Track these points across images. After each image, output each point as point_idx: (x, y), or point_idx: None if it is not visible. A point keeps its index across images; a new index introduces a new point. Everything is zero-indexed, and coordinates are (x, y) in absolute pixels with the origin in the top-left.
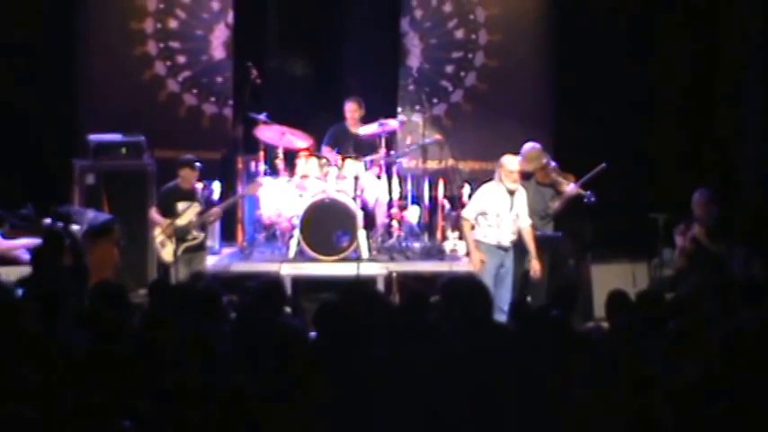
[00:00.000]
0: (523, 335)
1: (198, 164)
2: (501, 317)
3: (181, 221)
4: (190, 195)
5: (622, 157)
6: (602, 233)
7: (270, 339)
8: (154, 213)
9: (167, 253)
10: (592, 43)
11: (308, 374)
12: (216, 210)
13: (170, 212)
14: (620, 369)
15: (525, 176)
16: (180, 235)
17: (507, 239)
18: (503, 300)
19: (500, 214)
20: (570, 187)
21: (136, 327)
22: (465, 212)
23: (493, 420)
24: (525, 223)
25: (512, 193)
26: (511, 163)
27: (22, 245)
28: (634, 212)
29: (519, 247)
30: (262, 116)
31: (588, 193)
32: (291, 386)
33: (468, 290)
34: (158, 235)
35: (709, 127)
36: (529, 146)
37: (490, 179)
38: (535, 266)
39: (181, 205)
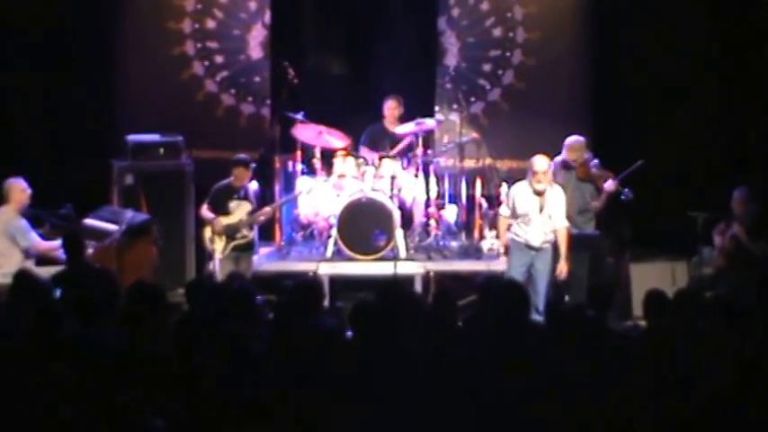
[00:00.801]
0: (557, 335)
1: (252, 164)
2: (537, 318)
3: (231, 219)
4: (242, 194)
5: (661, 154)
6: (641, 232)
7: (306, 339)
8: (205, 210)
9: (217, 250)
10: (629, 40)
11: (344, 374)
12: (267, 209)
13: (221, 210)
14: (656, 369)
15: (567, 168)
16: (229, 233)
17: (537, 240)
18: (537, 301)
19: (528, 214)
20: (608, 183)
21: (172, 327)
22: (501, 209)
23: (525, 420)
24: (560, 225)
25: (540, 193)
26: (536, 164)
27: (60, 245)
28: (673, 211)
29: (557, 246)
30: (299, 115)
31: (626, 190)
32: (327, 386)
33: (503, 289)
34: (208, 232)
35: (750, 124)
36: (574, 137)
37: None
38: (562, 268)
39: (232, 204)
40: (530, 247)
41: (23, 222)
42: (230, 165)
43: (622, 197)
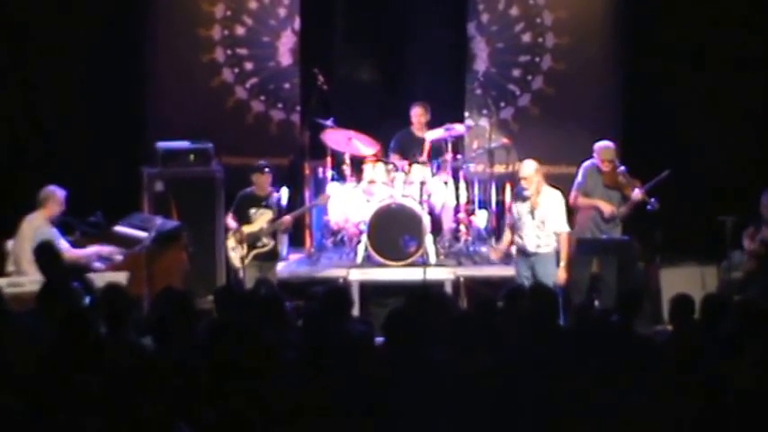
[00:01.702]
0: (584, 339)
1: (267, 169)
2: None
3: (252, 228)
4: (264, 202)
5: (691, 159)
6: (671, 236)
7: (336, 346)
8: (229, 218)
9: (236, 258)
10: (659, 45)
11: (374, 380)
12: (287, 218)
13: (244, 218)
14: (679, 373)
15: (598, 173)
16: (250, 241)
17: (530, 245)
18: None
19: (521, 219)
20: (635, 192)
21: (201, 333)
22: (507, 217)
23: (551, 426)
24: (557, 229)
25: (528, 198)
26: (521, 169)
27: (91, 253)
28: (703, 215)
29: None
30: (329, 122)
31: (652, 200)
32: (357, 393)
33: (530, 296)
34: (230, 240)
35: None
36: (603, 143)
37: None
38: (560, 275)
39: (254, 211)
40: (525, 253)
41: (53, 230)
42: (249, 173)
43: (648, 207)
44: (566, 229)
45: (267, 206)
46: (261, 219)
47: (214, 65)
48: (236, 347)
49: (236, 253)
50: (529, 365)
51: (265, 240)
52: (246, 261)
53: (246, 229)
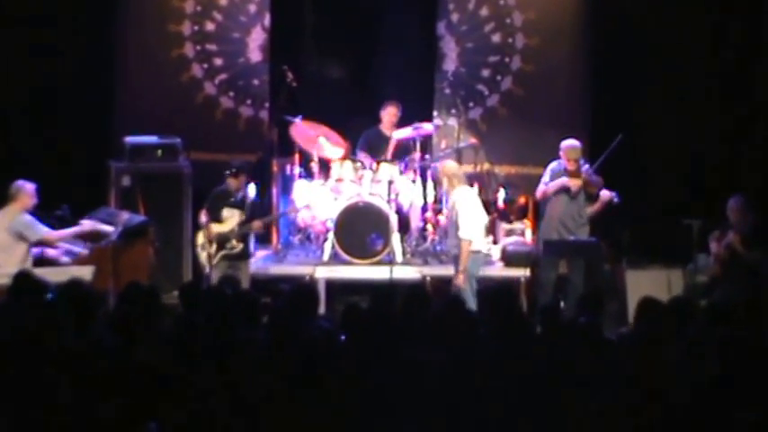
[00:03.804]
0: (550, 340)
1: (234, 169)
2: None
3: (222, 228)
4: (237, 202)
5: (658, 161)
6: (637, 239)
7: (301, 343)
8: (202, 215)
9: (204, 256)
10: (629, 47)
11: (336, 378)
12: (257, 223)
13: (215, 217)
14: (643, 375)
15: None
16: (219, 241)
17: (451, 248)
18: None
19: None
20: (604, 193)
21: (166, 330)
22: None
23: (512, 424)
24: (460, 234)
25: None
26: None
27: (71, 232)
28: (669, 218)
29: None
30: (297, 119)
31: (613, 194)
32: (320, 389)
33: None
34: (200, 238)
35: (747, 131)
36: (569, 141)
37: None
38: (456, 280)
39: (226, 212)
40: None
41: (28, 217)
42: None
43: (615, 200)
44: (466, 236)
45: (238, 207)
46: (231, 220)
47: (183, 60)
48: (202, 344)
49: (204, 251)
50: (497, 364)
51: (234, 242)
52: (215, 261)
53: (216, 228)
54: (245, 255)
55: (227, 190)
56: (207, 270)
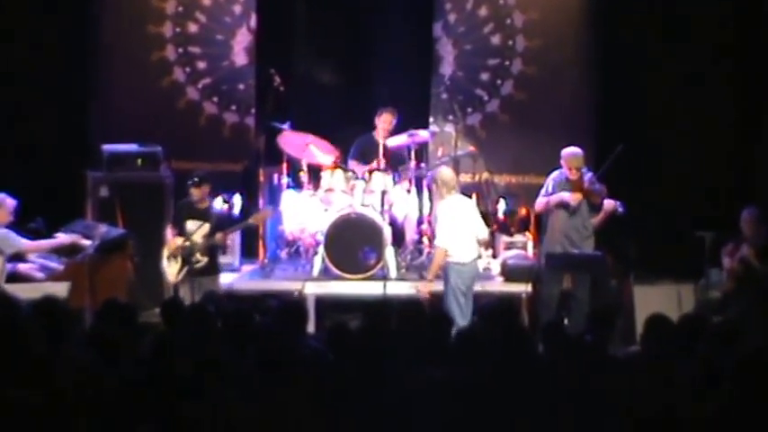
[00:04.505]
0: (554, 360)
1: (196, 179)
2: None
3: (187, 241)
4: (202, 214)
5: (668, 169)
6: (646, 252)
7: (290, 362)
8: (168, 229)
9: (170, 273)
10: (636, 47)
11: (326, 400)
12: (220, 235)
13: (180, 230)
14: (654, 397)
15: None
16: (184, 255)
17: None
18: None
19: None
20: (608, 202)
21: (146, 348)
22: None
23: None
24: (436, 241)
25: None
26: None
27: (47, 244)
28: (679, 230)
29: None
30: (285, 126)
31: (617, 203)
32: (309, 412)
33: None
34: (166, 251)
35: (761, 139)
36: (570, 149)
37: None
38: (423, 287)
39: (190, 224)
40: None
41: (3, 230)
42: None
43: (620, 209)
44: (440, 244)
45: (204, 219)
46: (197, 233)
47: (164, 64)
48: (184, 363)
49: (169, 267)
50: (496, 385)
51: (199, 256)
52: (180, 276)
53: (181, 242)
54: (212, 269)
55: (190, 201)
56: (173, 286)
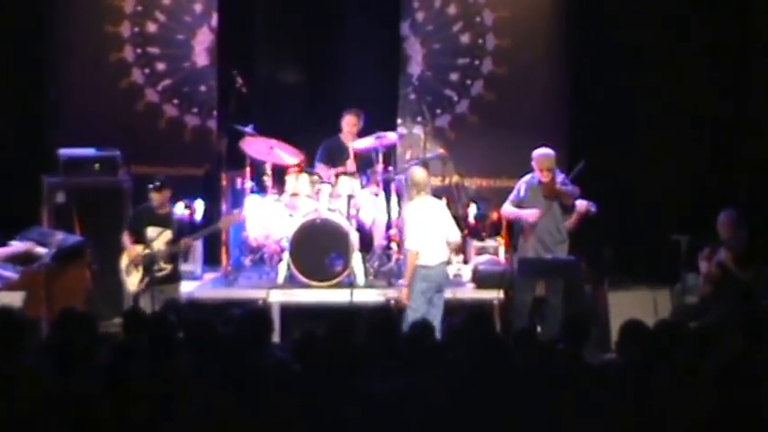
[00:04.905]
0: (528, 368)
1: (157, 183)
2: None
3: (148, 249)
4: (162, 220)
5: (643, 171)
6: (620, 257)
7: (254, 373)
8: (125, 236)
9: (131, 282)
10: (609, 48)
11: (293, 411)
12: (185, 241)
13: (139, 237)
14: (629, 405)
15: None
16: (146, 263)
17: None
18: None
19: None
20: (580, 203)
21: (105, 359)
22: None
23: None
24: (405, 245)
25: None
26: None
27: (4, 252)
28: (655, 234)
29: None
30: (248, 128)
31: (589, 203)
32: (274, 425)
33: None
34: (124, 261)
35: (737, 140)
36: (541, 150)
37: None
38: (400, 295)
39: (151, 231)
40: None
41: None
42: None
43: (592, 209)
44: (410, 246)
45: (166, 225)
46: (159, 239)
47: (123, 65)
48: (144, 375)
49: (130, 276)
50: (467, 394)
51: (162, 264)
52: (142, 285)
53: (142, 250)
54: (174, 277)
55: (150, 207)
56: (135, 296)
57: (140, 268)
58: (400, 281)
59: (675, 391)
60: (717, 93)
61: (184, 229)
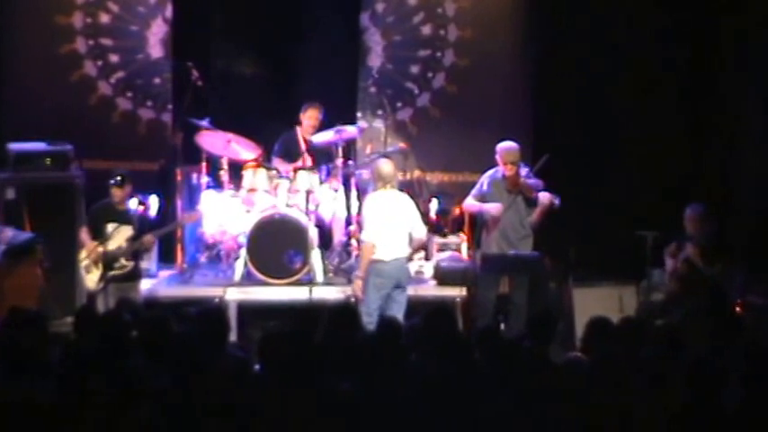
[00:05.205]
0: (492, 368)
1: (119, 178)
2: None
3: (109, 246)
4: (122, 216)
5: (608, 166)
6: (585, 253)
7: (210, 373)
8: (83, 233)
9: (91, 280)
10: (574, 39)
11: (253, 413)
12: (149, 237)
13: (99, 234)
14: (595, 404)
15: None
16: (107, 261)
17: None
18: None
19: None
20: (543, 195)
21: (56, 360)
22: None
23: None
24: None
25: None
26: None
27: None
28: (620, 230)
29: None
30: (204, 122)
31: (553, 196)
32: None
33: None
34: (84, 259)
35: (703, 134)
36: (505, 143)
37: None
38: (353, 288)
39: (110, 227)
40: None
41: None
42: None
43: (556, 202)
44: (365, 238)
45: (126, 221)
46: (119, 236)
47: (74, 57)
48: (95, 375)
49: (90, 274)
50: (429, 394)
51: (124, 261)
52: (101, 284)
53: (103, 247)
54: (135, 275)
55: (110, 203)
56: (94, 294)
57: (100, 265)
58: (355, 272)
59: (642, 390)
60: (684, 85)
61: (146, 226)
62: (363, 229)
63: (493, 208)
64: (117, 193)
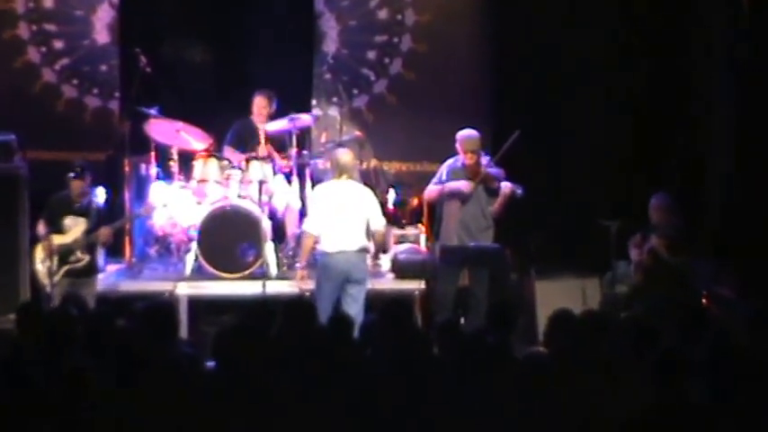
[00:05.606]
0: (452, 363)
1: (78, 170)
2: None
3: (64, 239)
4: (80, 209)
5: (569, 155)
6: (547, 244)
7: (159, 371)
8: (41, 226)
9: (44, 273)
10: (536, 25)
11: (204, 411)
12: (105, 230)
13: (56, 227)
14: (557, 399)
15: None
16: (62, 254)
17: None
18: None
19: None
20: (504, 185)
21: None
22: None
23: None
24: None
25: None
26: None
27: None
28: (583, 220)
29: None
30: (153, 110)
31: (515, 186)
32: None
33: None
34: (39, 252)
35: (669, 120)
36: (465, 132)
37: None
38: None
39: (68, 220)
40: None
41: None
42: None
43: (518, 192)
44: (306, 228)
45: (83, 214)
46: (75, 229)
47: (17, 43)
48: (38, 374)
49: (44, 267)
50: (386, 391)
51: (80, 254)
52: (57, 277)
53: (58, 240)
54: (91, 269)
55: (68, 195)
56: (48, 289)
57: (55, 259)
58: (296, 264)
59: (605, 384)
60: (644, 76)
61: (103, 218)
62: (306, 218)
63: (463, 185)
64: (76, 185)
